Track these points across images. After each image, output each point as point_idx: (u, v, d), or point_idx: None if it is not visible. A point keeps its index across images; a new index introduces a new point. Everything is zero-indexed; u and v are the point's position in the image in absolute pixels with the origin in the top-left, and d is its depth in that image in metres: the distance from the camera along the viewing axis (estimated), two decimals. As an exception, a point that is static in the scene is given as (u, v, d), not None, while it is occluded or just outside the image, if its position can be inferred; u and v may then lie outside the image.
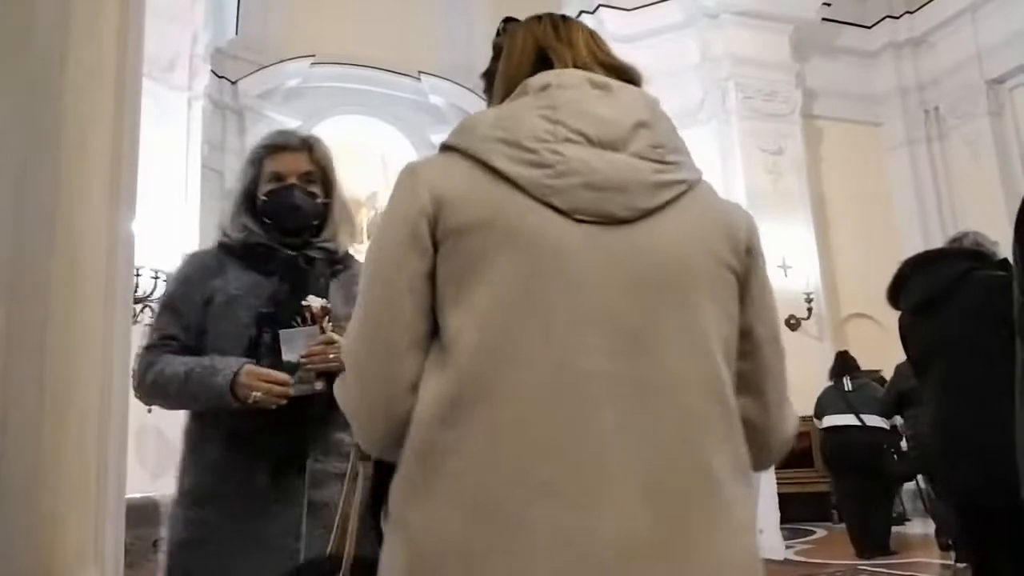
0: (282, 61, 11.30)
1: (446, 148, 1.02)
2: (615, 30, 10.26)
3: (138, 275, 6.89)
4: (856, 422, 5.82)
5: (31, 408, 1.36)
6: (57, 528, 1.40)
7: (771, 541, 5.13)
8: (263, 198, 1.86)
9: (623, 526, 0.88)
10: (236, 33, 11.09)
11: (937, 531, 5.71)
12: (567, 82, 1.02)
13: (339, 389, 1.04)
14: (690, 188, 1.01)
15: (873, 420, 5.73)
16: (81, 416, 1.51)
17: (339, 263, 1.91)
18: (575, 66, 1.06)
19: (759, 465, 1.09)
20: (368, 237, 8.05)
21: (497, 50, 1.15)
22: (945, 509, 5.20)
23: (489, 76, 1.15)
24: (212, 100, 10.28)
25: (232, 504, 1.70)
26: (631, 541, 0.88)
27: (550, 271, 0.94)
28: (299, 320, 1.75)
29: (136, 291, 7.13)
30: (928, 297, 2.68)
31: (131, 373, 1.76)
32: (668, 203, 0.98)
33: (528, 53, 1.10)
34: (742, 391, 1.04)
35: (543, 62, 1.08)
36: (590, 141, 0.97)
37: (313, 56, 11.35)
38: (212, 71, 10.07)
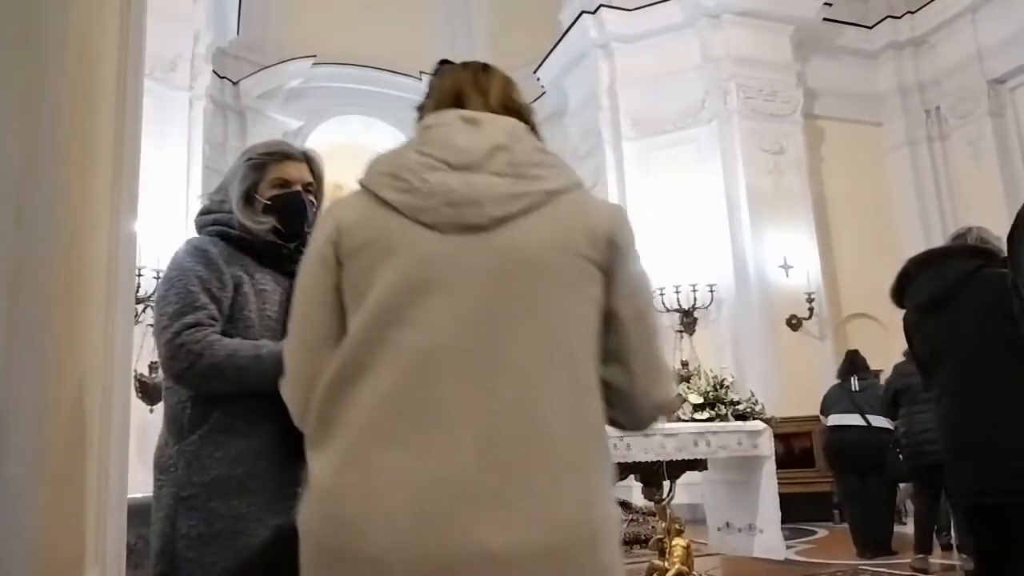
0: (283, 61, 11.30)
1: (359, 183, 1.26)
2: (616, 30, 10.27)
3: (139, 275, 6.90)
4: (861, 422, 5.82)
5: (32, 408, 1.36)
6: (58, 528, 1.40)
7: (772, 541, 5.11)
8: (267, 201, 1.90)
9: (454, 470, 1.09)
10: (238, 33, 11.09)
11: (937, 531, 5.71)
12: (442, 121, 1.26)
13: (282, 384, 1.30)
14: (552, 196, 1.21)
15: (878, 420, 5.72)
16: (82, 415, 1.51)
17: None
18: (482, 108, 1.30)
19: (633, 426, 1.31)
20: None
21: (430, 88, 1.38)
22: (927, 509, 5.27)
23: (421, 110, 1.37)
24: (213, 100, 10.29)
25: (265, 495, 1.70)
26: (460, 483, 1.09)
27: (418, 274, 1.17)
28: None
29: (137, 291, 7.13)
30: (935, 296, 2.65)
31: (174, 353, 1.71)
32: (525, 210, 1.19)
33: (448, 94, 1.33)
34: (611, 362, 1.23)
35: (460, 103, 1.31)
36: (450, 166, 1.20)
37: (314, 56, 11.35)
38: (213, 71, 10.07)
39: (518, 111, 1.33)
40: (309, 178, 1.97)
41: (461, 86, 1.33)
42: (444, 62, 1.41)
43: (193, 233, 1.95)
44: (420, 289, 1.16)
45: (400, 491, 1.09)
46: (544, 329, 1.16)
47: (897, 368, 5.66)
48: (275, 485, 1.72)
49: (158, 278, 6.22)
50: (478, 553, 1.07)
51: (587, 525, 1.13)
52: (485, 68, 1.37)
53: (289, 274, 1.86)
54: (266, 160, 1.95)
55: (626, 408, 1.26)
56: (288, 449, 1.72)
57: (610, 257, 1.22)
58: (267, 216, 1.89)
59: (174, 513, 1.72)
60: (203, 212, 1.97)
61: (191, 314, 1.75)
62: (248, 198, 1.91)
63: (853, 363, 6.32)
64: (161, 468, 1.78)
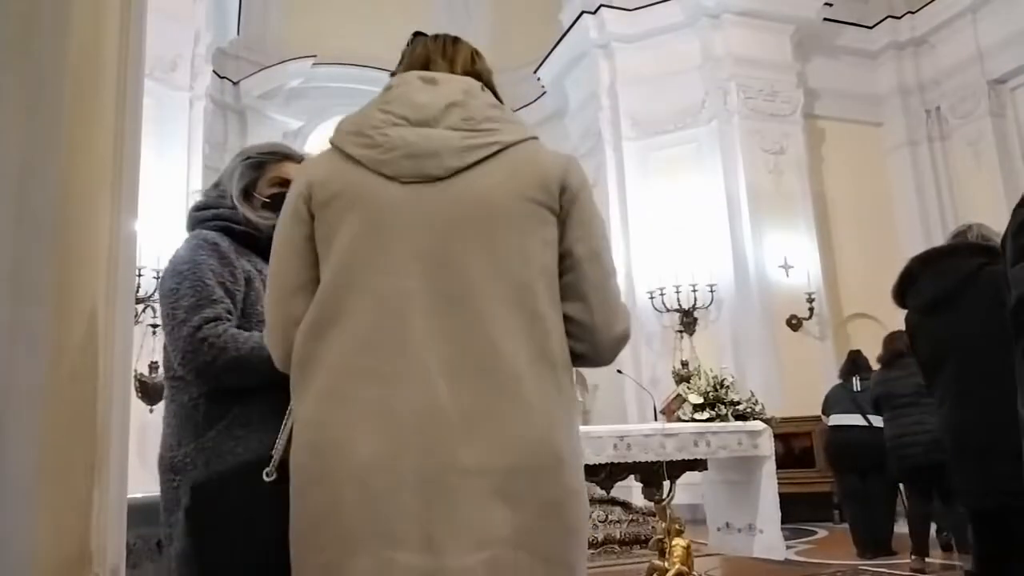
0: (284, 61, 11.30)
1: (329, 142, 1.37)
2: (616, 30, 10.27)
3: (139, 275, 6.90)
4: (862, 422, 5.83)
5: (31, 407, 1.36)
6: (58, 528, 1.40)
7: (772, 541, 5.11)
8: (265, 199, 1.90)
9: (424, 396, 1.19)
10: (238, 33, 11.09)
11: (938, 531, 5.71)
12: (403, 81, 1.36)
13: (264, 333, 1.40)
14: (506, 147, 1.29)
15: (879, 421, 5.74)
16: (82, 415, 1.51)
17: None
18: (447, 73, 1.39)
19: (597, 359, 1.36)
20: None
21: (402, 57, 1.47)
22: (918, 510, 5.28)
23: (393, 77, 1.44)
24: (214, 100, 10.30)
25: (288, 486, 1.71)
26: (432, 412, 1.19)
27: (382, 222, 1.26)
28: None
29: (137, 291, 7.13)
30: (938, 296, 2.63)
31: (196, 347, 1.70)
32: (481, 161, 1.27)
33: (417, 61, 1.42)
34: (570, 298, 1.31)
35: (427, 69, 1.40)
36: (409, 122, 1.29)
37: (315, 56, 11.35)
38: (214, 71, 10.08)
39: (479, 75, 1.42)
40: None
41: (430, 54, 1.43)
42: (418, 34, 1.48)
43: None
44: (384, 235, 1.25)
45: (377, 420, 1.19)
46: (502, 268, 1.24)
47: (874, 376, 5.76)
48: None
49: (158, 278, 6.21)
50: (452, 469, 1.17)
51: (550, 450, 1.22)
52: (455, 40, 1.46)
53: None
54: (265, 159, 1.95)
55: (589, 341, 1.32)
56: None
57: (563, 201, 1.31)
58: (267, 212, 1.88)
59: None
60: (200, 207, 1.95)
61: (209, 308, 1.73)
62: (246, 195, 1.90)
63: (855, 363, 6.34)
64: (175, 468, 1.75)
